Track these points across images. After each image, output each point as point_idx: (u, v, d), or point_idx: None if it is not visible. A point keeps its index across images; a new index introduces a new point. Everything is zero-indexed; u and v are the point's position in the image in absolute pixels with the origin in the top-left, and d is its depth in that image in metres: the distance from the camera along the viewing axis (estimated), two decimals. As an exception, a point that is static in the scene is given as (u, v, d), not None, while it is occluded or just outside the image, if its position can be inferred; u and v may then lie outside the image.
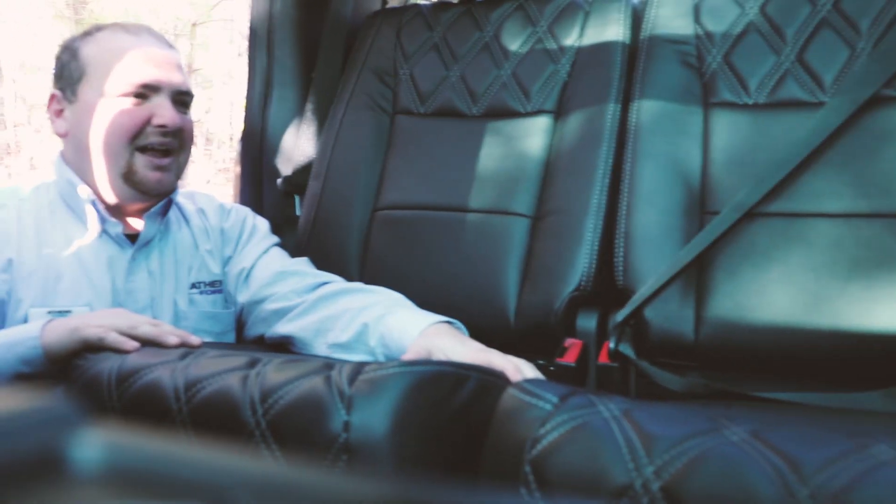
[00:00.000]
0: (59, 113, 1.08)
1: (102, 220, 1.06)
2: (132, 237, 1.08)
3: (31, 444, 0.23)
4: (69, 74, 1.06)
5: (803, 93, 1.12)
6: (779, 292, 1.04)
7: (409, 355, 0.89)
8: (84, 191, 1.05)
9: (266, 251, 1.19)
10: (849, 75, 1.10)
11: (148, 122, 1.04)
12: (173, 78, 1.07)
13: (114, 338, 0.82)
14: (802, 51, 1.14)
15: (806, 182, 1.07)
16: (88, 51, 1.06)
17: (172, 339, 0.85)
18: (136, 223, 1.10)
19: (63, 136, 1.08)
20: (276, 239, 1.23)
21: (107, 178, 1.05)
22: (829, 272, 1.03)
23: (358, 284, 1.12)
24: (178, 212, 1.16)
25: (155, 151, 1.05)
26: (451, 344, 0.90)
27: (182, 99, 1.09)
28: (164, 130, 1.05)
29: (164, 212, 1.11)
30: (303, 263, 1.18)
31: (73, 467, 0.23)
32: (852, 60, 1.11)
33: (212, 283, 1.15)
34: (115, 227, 1.06)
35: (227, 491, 0.21)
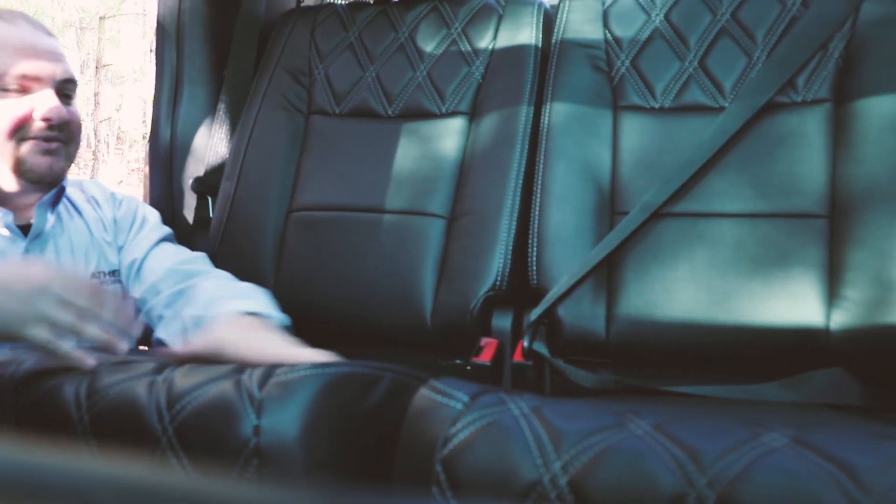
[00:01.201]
0: None
1: None
2: (23, 230, 1.03)
3: None
4: None
5: (705, 98, 1.17)
6: (685, 290, 1.08)
7: (194, 345, 0.84)
8: None
9: (157, 244, 1.16)
10: (746, 82, 1.15)
11: (31, 116, 0.99)
12: (56, 68, 1.02)
13: (67, 351, 0.72)
14: (704, 57, 1.19)
15: (709, 183, 1.12)
16: None
17: (123, 347, 0.77)
18: (23, 214, 1.05)
19: None
20: (166, 230, 1.20)
21: None
22: (731, 270, 1.07)
23: (215, 278, 1.09)
24: (68, 202, 1.12)
25: (40, 138, 1.01)
26: (244, 337, 0.86)
27: (66, 89, 1.04)
28: (49, 124, 1.00)
29: (56, 202, 1.07)
30: (199, 260, 1.16)
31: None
32: (749, 68, 1.16)
33: (112, 273, 1.12)
34: (6, 217, 1.01)
35: (92, 494, 0.20)
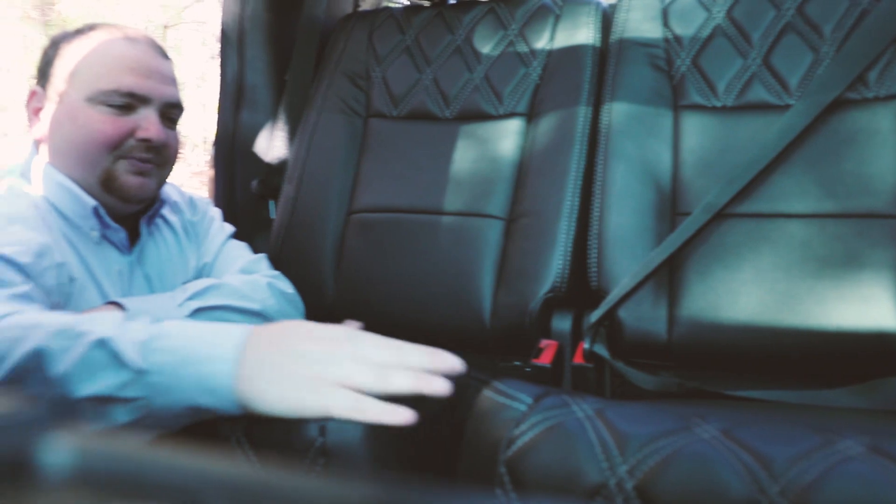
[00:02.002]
0: (38, 111, 1.02)
1: (104, 227, 1.01)
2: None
3: None
4: (53, 72, 1.00)
5: (770, 95, 1.14)
6: (749, 292, 1.06)
7: None
8: (90, 198, 0.99)
9: (224, 244, 1.18)
10: (813, 79, 1.12)
11: (131, 133, 0.99)
12: (164, 90, 1.01)
13: (374, 412, 0.61)
14: (768, 54, 1.16)
15: (774, 183, 1.09)
16: (78, 50, 1.00)
17: (438, 386, 0.63)
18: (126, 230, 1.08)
19: (40, 138, 1.01)
20: (229, 229, 1.22)
21: (85, 183, 1.00)
22: (797, 272, 1.04)
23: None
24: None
25: (136, 158, 1.00)
26: None
27: (171, 113, 1.04)
28: (147, 145, 1.00)
29: (153, 216, 1.09)
30: (260, 260, 1.18)
31: (41, 472, 0.23)
32: (816, 64, 1.13)
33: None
34: (118, 233, 1.02)
35: (199, 494, 0.20)
